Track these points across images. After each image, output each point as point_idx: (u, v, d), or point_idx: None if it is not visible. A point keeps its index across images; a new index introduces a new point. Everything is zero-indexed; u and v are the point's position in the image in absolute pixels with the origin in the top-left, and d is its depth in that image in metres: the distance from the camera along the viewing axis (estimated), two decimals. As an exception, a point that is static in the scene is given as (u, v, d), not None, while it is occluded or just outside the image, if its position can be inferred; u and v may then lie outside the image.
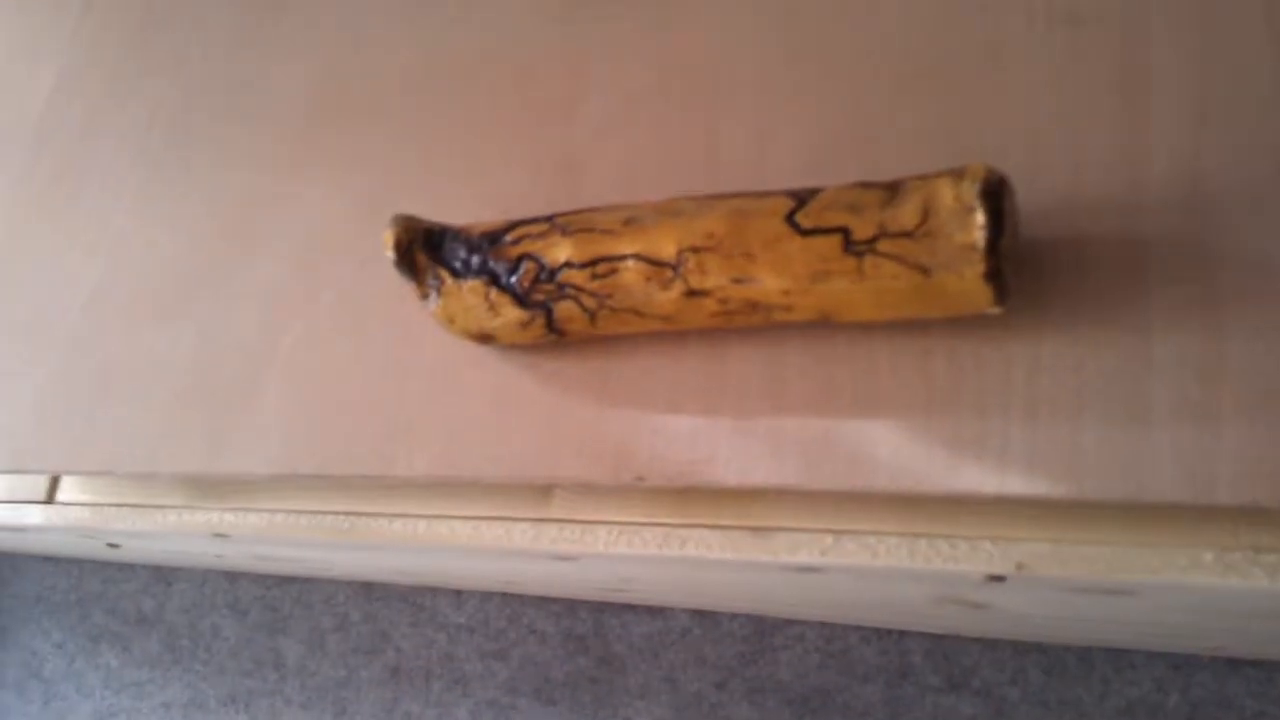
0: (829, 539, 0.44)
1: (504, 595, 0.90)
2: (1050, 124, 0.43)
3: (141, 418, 0.56)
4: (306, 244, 0.57)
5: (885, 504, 0.43)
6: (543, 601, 0.88)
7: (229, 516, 0.59)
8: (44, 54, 0.74)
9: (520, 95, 0.55)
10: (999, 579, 0.41)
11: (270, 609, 0.97)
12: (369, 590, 0.97)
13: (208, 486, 0.61)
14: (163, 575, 1.05)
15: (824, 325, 0.44)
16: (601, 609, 0.87)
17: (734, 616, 0.83)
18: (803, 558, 0.43)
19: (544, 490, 0.48)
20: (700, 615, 0.84)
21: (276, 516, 0.58)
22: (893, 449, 0.41)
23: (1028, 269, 0.41)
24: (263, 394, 0.54)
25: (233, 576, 1.04)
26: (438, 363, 0.51)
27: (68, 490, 0.65)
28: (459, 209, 0.51)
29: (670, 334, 0.46)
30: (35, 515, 0.65)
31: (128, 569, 1.07)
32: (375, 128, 0.59)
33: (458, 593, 0.91)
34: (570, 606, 0.89)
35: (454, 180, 0.55)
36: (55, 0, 0.76)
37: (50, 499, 0.65)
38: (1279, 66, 0.40)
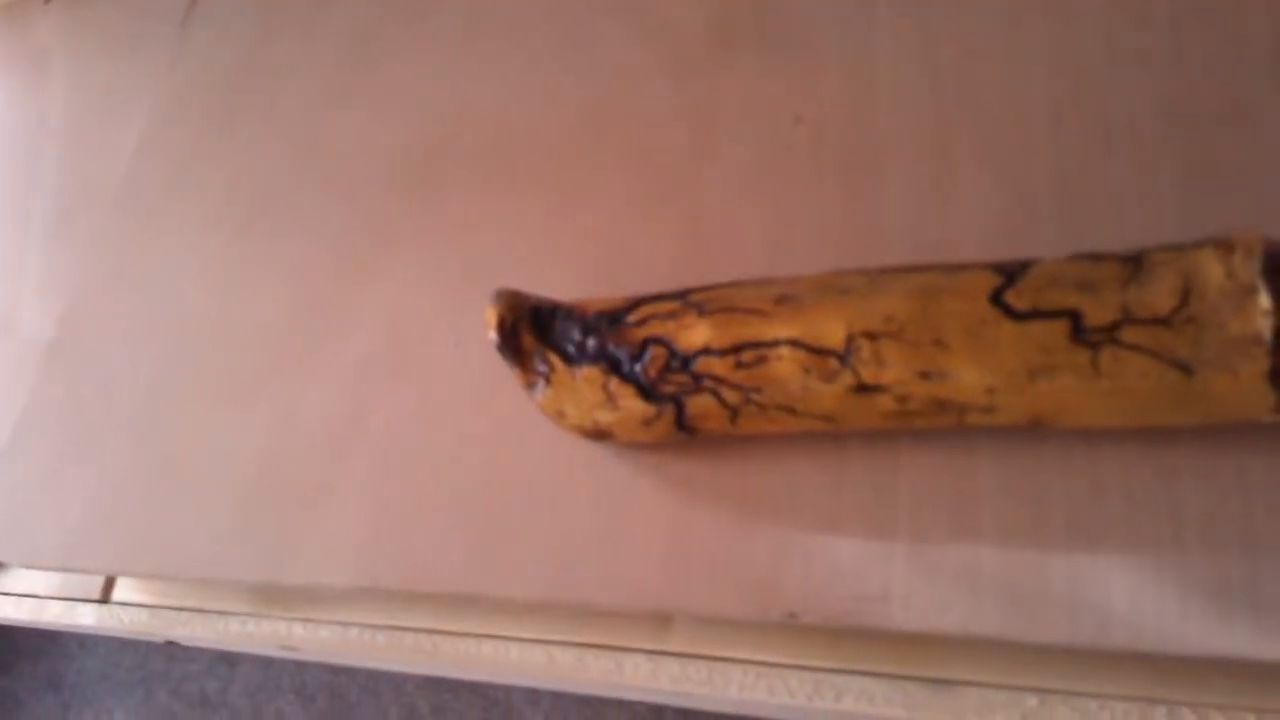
0: (1032, 700, 0.34)
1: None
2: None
3: (204, 515, 0.50)
4: (395, 323, 0.50)
5: (1109, 660, 0.34)
6: (624, 704, 0.79)
7: (299, 629, 0.51)
8: (131, 109, 0.70)
9: (639, 154, 0.48)
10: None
11: (337, 695, 0.89)
12: (439, 681, 0.89)
13: (277, 593, 0.54)
14: (227, 656, 0.98)
15: (1031, 432, 0.35)
16: (690, 714, 0.77)
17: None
18: (1004, 727, 0.33)
19: (662, 618, 0.40)
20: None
21: (351, 631, 0.50)
22: (1129, 595, 0.32)
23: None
24: (340, 492, 0.47)
25: (300, 660, 0.97)
26: (544, 462, 0.43)
27: (124, 589, 0.58)
28: (568, 284, 0.44)
29: (825, 435, 0.38)
30: (89, 615, 0.59)
31: (193, 648, 1.01)
32: (475, 193, 0.52)
33: (533, 690, 0.82)
34: (657, 711, 0.79)
35: (562, 252, 0.47)
36: (146, 52, 0.72)
37: (105, 598, 0.58)
38: None
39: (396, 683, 0.90)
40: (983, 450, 0.36)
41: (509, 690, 0.85)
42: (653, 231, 0.46)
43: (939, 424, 0.35)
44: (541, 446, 0.43)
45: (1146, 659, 0.32)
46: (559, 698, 0.83)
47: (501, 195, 0.51)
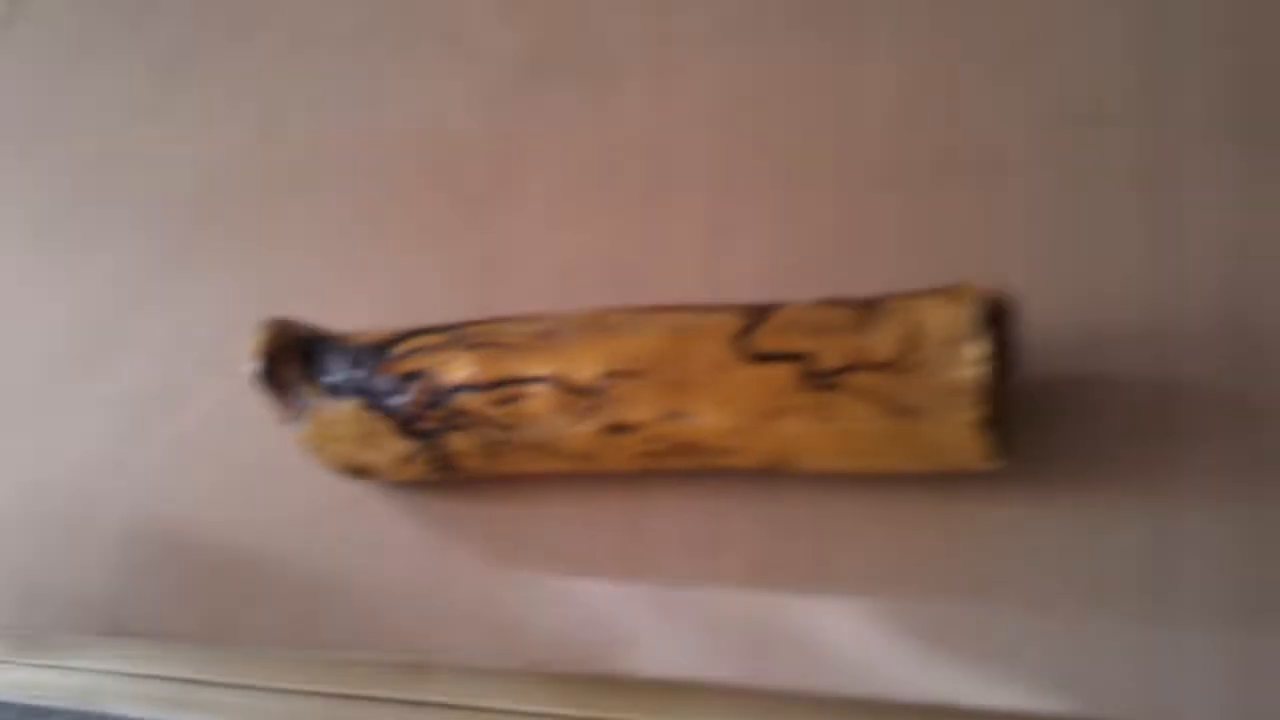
0: None
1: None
2: (1060, 240, 0.36)
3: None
4: (174, 349, 0.48)
5: (855, 709, 0.34)
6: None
7: (46, 676, 0.48)
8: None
9: (446, 181, 0.48)
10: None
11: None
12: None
13: (27, 638, 0.50)
14: (36, 709, 0.91)
15: (777, 474, 0.36)
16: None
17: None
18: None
19: (420, 666, 0.39)
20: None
21: (105, 680, 0.47)
22: (859, 640, 0.32)
23: (1034, 416, 0.33)
24: (97, 529, 0.45)
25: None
26: (308, 502, 0.41)
27: None
28: (360, 314, 0.42)
29: (584, 476, 0.38)
30: None
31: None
32: (277, 216, 0.50)
33: None
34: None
35: (360, 280, 0.46)
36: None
37: None
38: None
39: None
40: (732, 492, 0.36)
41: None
42: (453, 262, 0.45)
43: (688, 465, 0.35)
44: (308, 485, 0.42)
45: (885, 710, 0.32)
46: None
47: (303, 219, 0.50)
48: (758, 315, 0.33)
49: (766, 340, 0.32)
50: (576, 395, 0.34)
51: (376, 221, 0.48)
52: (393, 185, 0.49)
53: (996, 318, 0.30)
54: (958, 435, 0.30)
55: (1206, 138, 0.36)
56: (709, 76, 0.46)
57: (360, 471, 0.39)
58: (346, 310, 0.44)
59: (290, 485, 0.42)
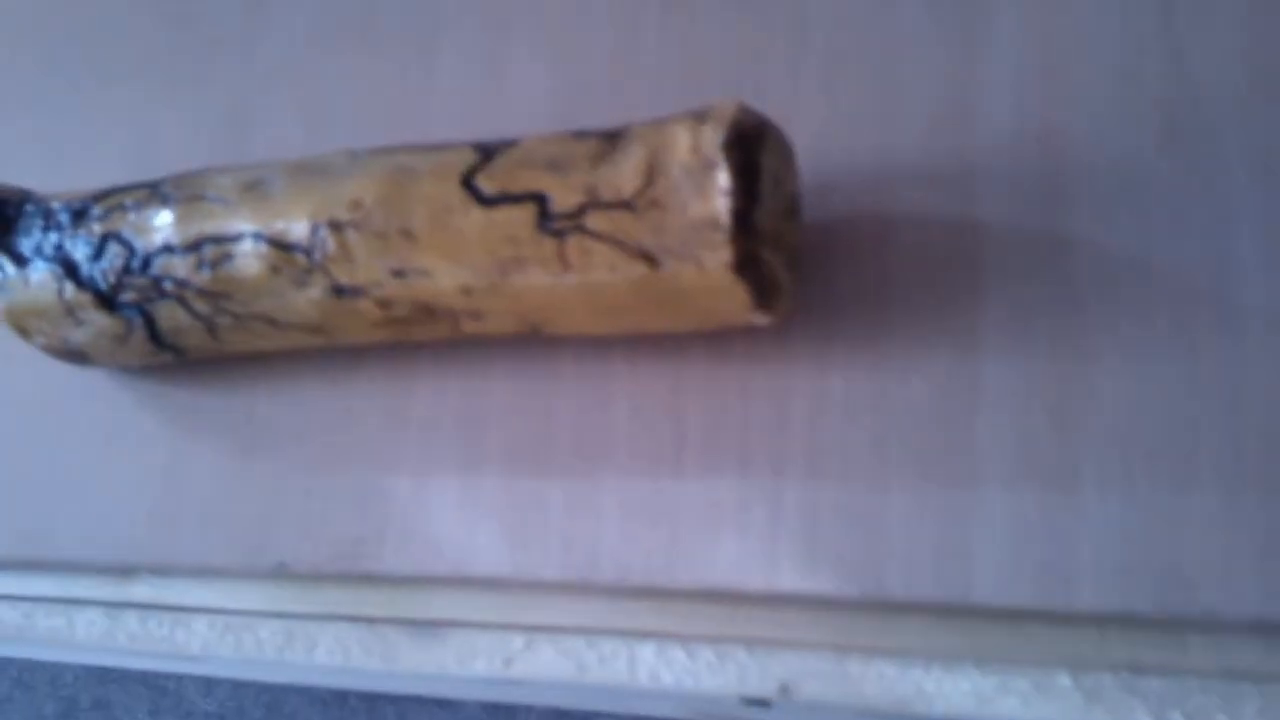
0: (519, 641, 0.30)
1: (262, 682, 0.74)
2: (853, 66, 0.31)
3: None
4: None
5: (605, 595, 0.30)
6: (304, 690, 0.73)
7: None
8: None
9: (180, 26, 0.41)
10: (761, 703, 0.28)
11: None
12: (105, 671, 0.80)
13: None
14: None
15: (537, 339, 0.31)
16: (374, 698, 0.71)
17: (530, 709, 0.68)
18: (480, 668, 0.29)
19: (127, 570, 0.34)
20: (495, 709, 0.69)
21: None
22: (621, 521, 0.28)
23: (815, 263, 0.29)
24: None
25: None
26: (34, 392, 0.36)
27: None
28: (89, 175, 0.36)
29: (340, 352, 0.33)
30: None
31: None
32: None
33: (207, 679, 0.74)
34: (339, 695, 0.73)
35: (90, 137, 0.40)
36: None
37: None
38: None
39: (53, 673, 0.81)
40: (497, 364, 0.31)
41: (180, 680, 0.77)
42: (191, 112, 0.39)
43: (437, 334, 0.30)
44: (32, 372, 0.36)
45: (640, 592, 0.28)
46: (238, 686, 0.76)
47: (26, 69, 0.42)
48: (492, 150, 0.28)
49: (498, 179, 0.27)
50: (290, 253, 0.29)
51: (107, 66, 0.41)
52: (128, 24, 0.42)
53: (755, 141, 0.25)
54: (712, 281, 0.25)
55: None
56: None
57: (77, 355, 0.34)
58: (78, 171, 0.38)
59: (23, 376, 0.37)
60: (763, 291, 0.26)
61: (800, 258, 0.28)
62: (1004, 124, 0.28)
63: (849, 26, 0.31)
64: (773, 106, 0.29)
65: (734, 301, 0.26)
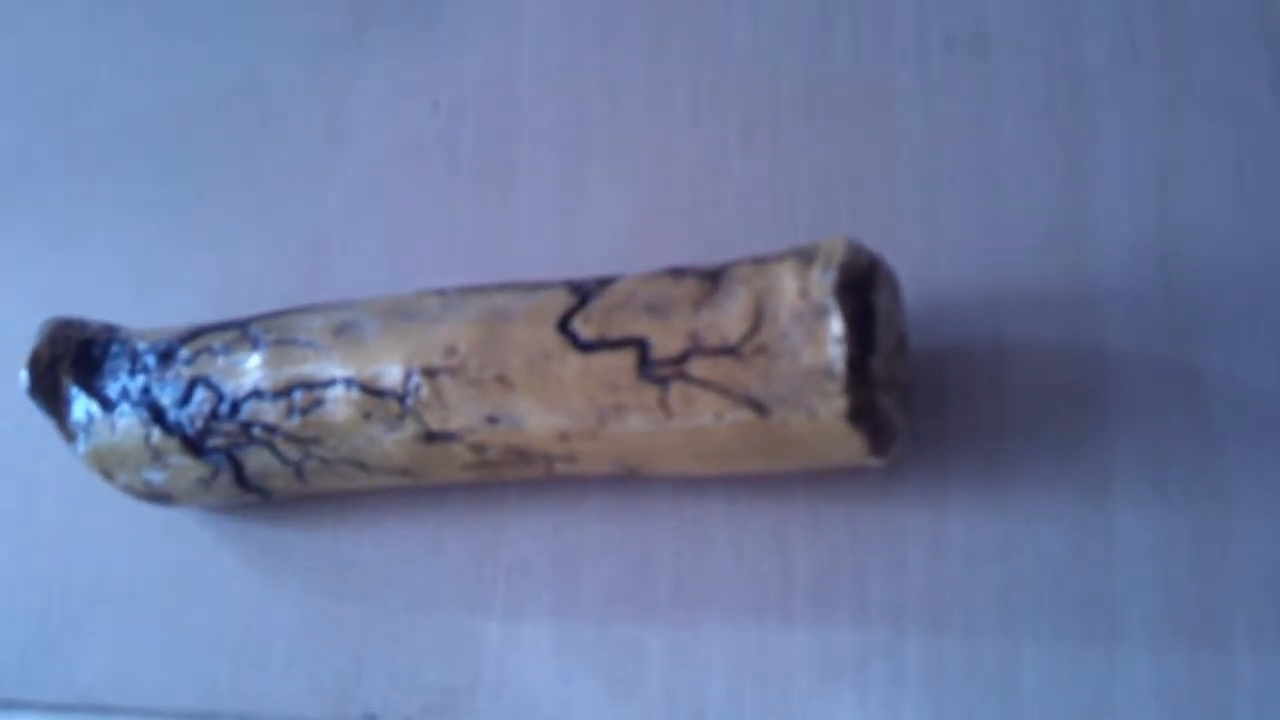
0: None
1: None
2: (954, 187, 0.30)
3: None
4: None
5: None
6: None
7: None
8: None
9: (266, 147, 0.41)
10: None
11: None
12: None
13: None
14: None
15: (632, 480, 0.30)
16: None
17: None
18: None
19: (209, 717, 0.33)
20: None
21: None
22: (727, 675, 0.27)
23: (926, 395, 0.27)
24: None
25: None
26: (114, 532, 0.36)
27: None
28: (171, 311, 0.36)
29: (423, 491, 0.32)
30: None
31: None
32: (78, 198, 0.42)
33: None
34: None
35: (173, 270, 0.40)
36: None
37: None
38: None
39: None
40: (590, 502, 0.30)
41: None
42: (274, 241, 0.39)
43: (530, 474, 0.29)
44: (113, 512, 0.36)
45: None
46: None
47: (109, 200, 0.42)
48: (587, 292, 0.27)
49: (595, 324, 0.26)
50: (383, 399, 0.28)
51: (192, 196, 0.41)
52: (211, 151, 0.41)
53: (867, 281, 0.24)
54: (825, 430, 0.24)
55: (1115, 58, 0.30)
56: (555, 24, 0.39)
57: (160, 497, 0.33)
58: (161, 301, 0.38)
59: (102, 514, 0.36)
60: (878, 437, 0.24)
61: (911, 393, 0.27)
62: (1119, 245, 0.27)
63: (945, 146, 0.30)
64: (870, 233, 0.28)
65: (848, 449, 0.24)
